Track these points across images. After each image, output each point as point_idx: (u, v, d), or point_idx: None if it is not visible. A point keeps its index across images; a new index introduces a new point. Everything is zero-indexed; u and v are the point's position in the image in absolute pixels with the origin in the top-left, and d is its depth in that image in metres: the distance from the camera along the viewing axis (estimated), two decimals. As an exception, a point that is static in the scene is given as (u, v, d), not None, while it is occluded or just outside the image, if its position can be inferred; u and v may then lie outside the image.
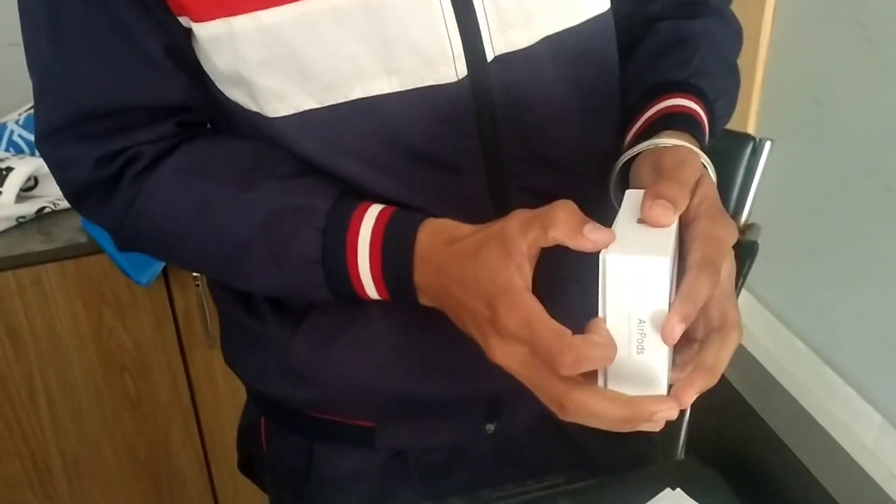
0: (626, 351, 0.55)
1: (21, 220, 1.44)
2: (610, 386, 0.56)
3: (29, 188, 1.47)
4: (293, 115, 0.65)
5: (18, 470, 1.56)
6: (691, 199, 0.58)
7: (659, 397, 0.54)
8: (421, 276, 0.62)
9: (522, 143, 0.70)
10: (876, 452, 1.79)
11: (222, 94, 0.68)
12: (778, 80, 0.77)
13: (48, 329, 1.45)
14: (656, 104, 0.70)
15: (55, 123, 0.69)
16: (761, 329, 2.38)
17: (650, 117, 0.70)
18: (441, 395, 0.77)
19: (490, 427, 0.82)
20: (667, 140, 0.64)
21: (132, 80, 0.66)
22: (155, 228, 0.70)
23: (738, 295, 1.48)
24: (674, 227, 0.57)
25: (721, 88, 0.73)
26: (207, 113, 0.71)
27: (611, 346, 0.53)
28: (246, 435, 0.96)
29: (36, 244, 1.40)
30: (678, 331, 0.52)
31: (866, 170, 2.01)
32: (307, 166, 0.67)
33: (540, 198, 0.71)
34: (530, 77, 0.68)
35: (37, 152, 1.49)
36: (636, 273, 0.54)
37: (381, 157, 0.66)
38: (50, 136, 0.69)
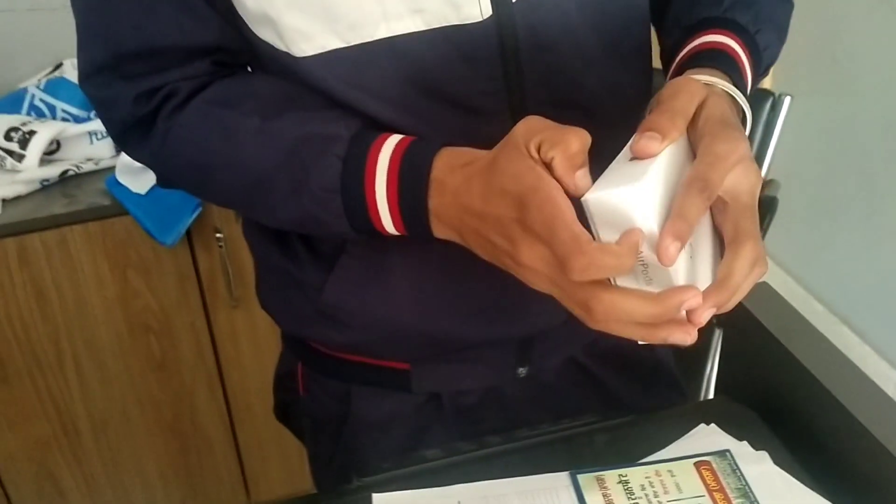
0: (635, 286, 0.55)
1: (45, 183, 1.45)
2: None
3: (52, 151, 1.48)
4: (319, 54, 0.65)
5: (47, 431, 1.58)
6: (696, 120, 0.58)
7: (681, 288, 0.54)
8: (437, 201, 0.61)
9: (547, 85, 0.70)
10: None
11: (253, 34, 0.68)
12: (795, 38, 0.76)
13: (74, 291, 1.46)
14: (688, 44, 0.70)
15: (96, 63, 0.70)
16: (779, 290, 2.38)
17: (680, 59, 0.70)
18: (473, 337, 0.78)
19: (522, 371, 0.83)
20: (704, 78, 0.64)
21: (168, 21, 0.67)
22: (186, 160, 0.71)
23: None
24: (663, 156, 0.56)
25: (765, 17, 0.72)
26: (243, 55, 0.72)
27: (627, 254, 0.52)
28: (282, 382, 0.97)
29: (60, 207, 1.41)
30: (673, 250, 0.52)
31: (883, 129, 2.00)
32: (334, 103, 0.68)
33: None
34: (555, 19, 0.68)
35: (59, 116, 1.50)
36: (615, 206, 0.53)
37: (406, 97, 0.67)
38: (91, 77, 0.71)
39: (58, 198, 1.44)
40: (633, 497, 0.71)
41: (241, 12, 0.67)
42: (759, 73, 0.72)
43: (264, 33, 0.67)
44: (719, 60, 0.67)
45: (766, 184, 1.50)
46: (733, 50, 0.68)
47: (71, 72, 1.57)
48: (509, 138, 0.58)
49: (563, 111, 0.70)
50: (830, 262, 2.25)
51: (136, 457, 1.66)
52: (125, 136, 0.73)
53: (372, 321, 0.77)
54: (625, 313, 0.54)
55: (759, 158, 1.47)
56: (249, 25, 0.68)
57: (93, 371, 1.55)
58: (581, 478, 0.73)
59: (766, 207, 1.47)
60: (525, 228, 0.56)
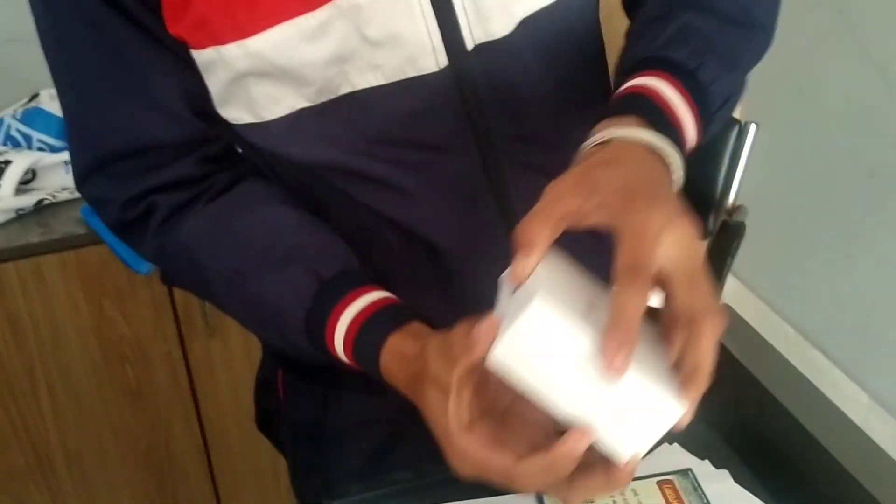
0: (604, 403, 0.49)
1: (20, 212, 1.46)
2: (619, 440, 0.51)
3: (27, 181, 1.49)
4: (289, 114, 0.69)
5: (20, 461, 1.57)
6: (598, 193, 0.53)
7: (568, 439, 0.51)
8: (388, 379, 0.65)
9: (512, 123, 0.73)
10: (865, 432, 1.83)
11: (220, 116, 0.71)
12: (761, 69, 0.76)
13: (49, 320, 1.46)
14: (622, 86, 0.65)
15: (84, 166, 0.74)
16: (751, 316, 2.41)
17: (611, 100, 0.65)
18: None
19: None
20: (593, 139, 0.60)
21: (142, 121, 0.71)
22: (179, 280, 0.80)
23: (724, 279, 1.52)
24: (547, 262, 0.51)
25: (708, 49, 0.66)
26: (222, 142, 0.75)
27: (562, 457, 0.50)
28: (263, 389, 0.98)
29: (35, 236, 1.42)
30: (620, 361, 0.47)
31: (849, 156, 2.05)
32: (298, 227, 0.72)
33: (534, 172, 0.75)
34: (511, 63, 0.71)
35: (35, 146, 1.51)
36: (527, 345, 0.48)
37: (372, 147, 0.70)
38: (82, 178, 0.75)
39: (33, 227, 1.44)
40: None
41: (212, 92, 0.70)
42: (715, 108, 0.66)
43: (230, 112, 0.70)
44: (635, 105, 0.61)
45: (735, 209, 1.53)
46: (654, 92, 0.62)
47: (47, 102, 1.58)
48: (427, 368, 0.58)
49: (530, 145, 0.73)
50: (801, 287, 2.28)
51: (110, 486, 1.65)
52: (122, 235, 0.77)
53: None
54: (538, 473, 0.52)
55: (726, 184, 1.50)
56: (217, 108, 0.71)
57: (67, 400, 1.54)
58: (547, 499, 0.74)
59: (735, 233, 1.50)
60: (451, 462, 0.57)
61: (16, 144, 1.53)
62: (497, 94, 0.71)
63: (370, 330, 0.65)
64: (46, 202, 1.48)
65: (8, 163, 1.46)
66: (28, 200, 1.46)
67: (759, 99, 2.30)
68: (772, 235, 2.34)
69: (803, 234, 2.25)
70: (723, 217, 1.50)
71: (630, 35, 0.72)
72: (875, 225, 1.99)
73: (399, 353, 0.63)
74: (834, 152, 2.09)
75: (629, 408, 0.49)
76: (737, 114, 2.20)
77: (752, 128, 1.49)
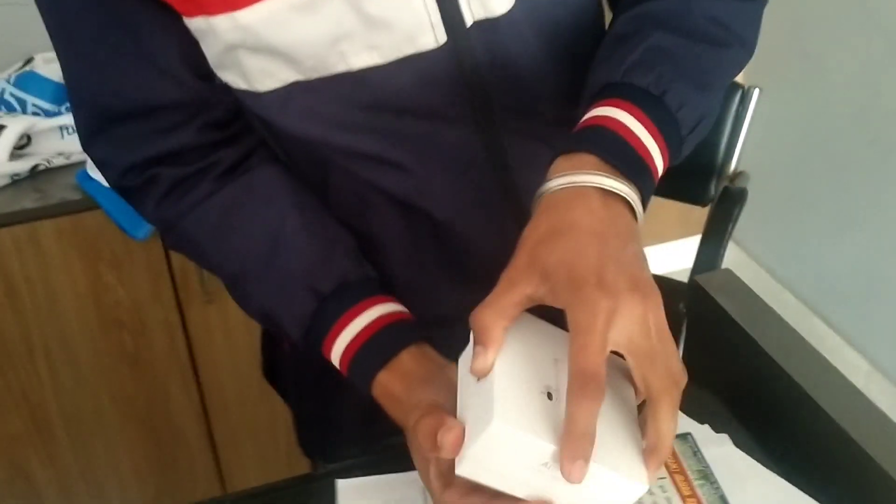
0: (569, 494, 0.52)
1: (15, 177, 1.44)
2: None
3: (22, 146, 1.48)
4: (281, 87, 0.67)
5: (19, 427, 1.57)
6: (548, 278, 0.53)
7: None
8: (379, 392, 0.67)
9: (511, 96, 0.72)
10: (866, 396, 1.83)
11: (217, 77, 0.70)
12: (765, 34, 0.73)
13: (45, 286, 1.45)
14: (583, 116, 0.64)
15: (87, 126, 0.73)
16: (751, 282, 2.41)
17: (571, 132, 0.64)
18: (449, 309, 0.80)
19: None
20: (543, 188, 0.59)
21: (143, 82, 0.70)
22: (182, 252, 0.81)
23: (725, 245, 1.50)
24: (505, 357, 0.53)
25: (675, 75, 0.62)
26: (226, 108, 0.74)
27: None
28: (269, 339, 0.98)
29: (31, 201, 1.41)
30: (577, 473, 0.49)
31: (851, 122, 2.03)
32: (296, 234, 0.72)
33: (534, 142, 0.74)
34: (511, 38, 0.69)
35: (30, 110, 1.49)
36: (490, 457, 0.50)
37: (366, 119, 0.69)
38: (86, 140, 0.74)
39: (28, 192, 1.43)
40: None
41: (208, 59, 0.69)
42: (685, 132, 0.63)
43: (226, 76, 0.69)
44: (593, 141, 0.59)
45: (737, 175, 1.52)
46: (615, 122, 0.60)
47: (42, 66, 1.56)
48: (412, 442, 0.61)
49: (528, 117, 0.72)
50: (802, 254, 2.28)
51: (109, 452, 1.66)
52: (125, 199, 0.77)
53: None
54: None
55: (728, 150, 1.49)
56: (214, 70, 0.70)
57: (65, 366, 1.54)
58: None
59: (737, 199, 1.49)
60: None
61: (10, 109, 1.52)
62: (496, 68, 0.70)
63: (361, 363, 0.67)
64: (42, 167, 1.47)
65: (2, 128, 1.44)
66: (23, 166, 1.45)
67: (763, 64, 2.28)
68: (773, 202, 2.33)
69: (805, 201, 2.24)
70: (724, 183, 1.49)
71: (598, 56, 0.68)
72: (877, 191, 1.98)
73: (387, 392, 0.66)
74: (837, 118, 2.07)
75: (594, 493, 0.52)
76: (740, 78, 2.18)
77: (755, 93, 1.48)
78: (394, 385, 0.65)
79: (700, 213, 1.49)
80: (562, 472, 0.49)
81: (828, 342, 2.17)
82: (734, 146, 1.51)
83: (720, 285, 0.90)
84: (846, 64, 2.02)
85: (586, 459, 0.49)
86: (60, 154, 1.49)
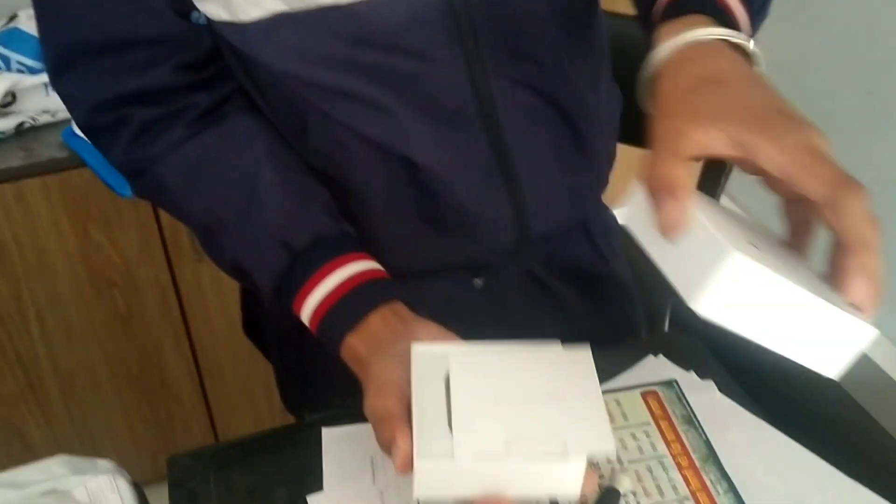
0: (804, 332, 0.49)
1: (1, 135, 1.43)
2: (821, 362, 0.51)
3: (7, 104, 1.46)
4: (265, 18, 0.66)
5: (13, 387, 1.57)
6: (719, 120, 0.49)
7: None
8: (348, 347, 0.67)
9: (502, 37, 0.70)
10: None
11: (199, 11, 0.68)
12: None
13: (34, 245, 1.45)
14: None
15: (56, 58, 0.71)
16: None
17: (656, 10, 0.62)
18: (428, 261, 0.79)
19: (478, 281, 0.84)
20: (665, 45, 0.55)
21: (118, 14, 0.68)
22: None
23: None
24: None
25: None
26: (203, 49, 0.72)
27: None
28: (248, 294, 0.97)
29: (16, 160, 1.39)
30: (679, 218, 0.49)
31: (848, 71, 2.01)
32: (272, 187, 0.71)
33: (522, 87, 0.72)
34: None
35: (14, 68, 1.47)
36: (732, 294, 0.47)
37: (352, 55, 0.67)
38: (54, 73, 0.72)
39: (14, 151, 1.41)
40: (579, 426, 0.72)
41: None
42: (757, 7, 0.63)
43: (207, 7, 0.67)
44: (698, 4, 0.58)
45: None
46: None
47: (26, 23, 1.53)
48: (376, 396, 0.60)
49: (519, 60, 0.71)
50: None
51: (104, 411, 1.66)
52: (91, 139, 0.75)
53: None
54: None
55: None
56: (195, 2, 0.68)
57: (57, 326, 1.54)
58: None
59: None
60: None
61: (-6, 66, 1.49)
62: (488, 7, 0.68)
63: (331, 324, 0.67)
64: (27, 125, 1.45)
65: (-14, 86, 1.42)
66: (8, 124, 1.43)
67: (757, 16, 2.25)
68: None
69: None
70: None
71: None
72: (874, 143, 1.97)
73: (353, 355, 0.66)
74: (833, 69, 2.05)
75: (827, 334, 0.49)
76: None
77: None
78: (359, 347, 0.65)
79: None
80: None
81: (822, 296, 2.16)
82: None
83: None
84: (842, 12, 2.00)
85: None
86: (46, 111, 1.47)
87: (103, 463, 0.65)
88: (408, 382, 0.58)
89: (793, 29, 2.15)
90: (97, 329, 1.56)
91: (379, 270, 0.70)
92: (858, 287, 0.47)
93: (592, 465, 0.68)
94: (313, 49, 0.67)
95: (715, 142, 0.49)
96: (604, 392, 0.75)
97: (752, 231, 0.55)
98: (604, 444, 0.54)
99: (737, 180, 1.46)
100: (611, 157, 0.87)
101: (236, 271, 0.73)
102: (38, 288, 1.49)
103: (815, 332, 0.49)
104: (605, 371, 0.77)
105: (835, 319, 0.48)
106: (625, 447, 0.70)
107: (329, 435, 0.72)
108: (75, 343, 1.56)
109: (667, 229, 0.49)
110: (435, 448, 0.54)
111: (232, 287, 1.58)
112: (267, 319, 0.94)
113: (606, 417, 0.56)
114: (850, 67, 2.00)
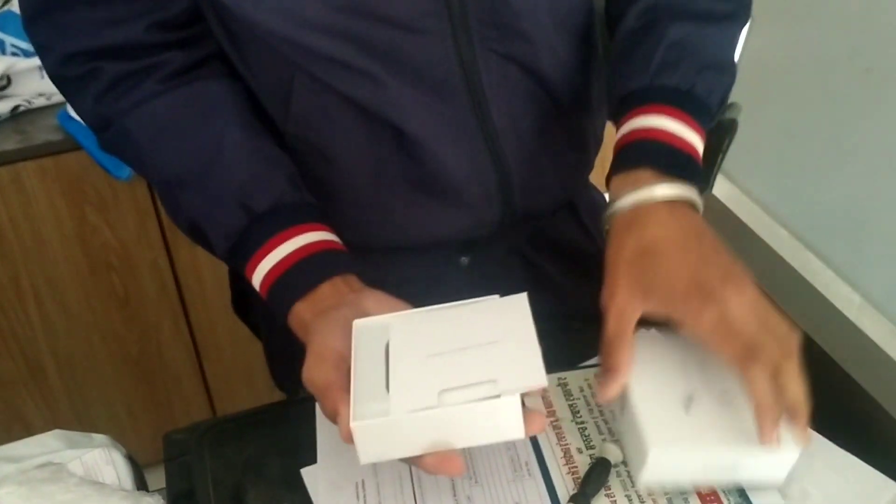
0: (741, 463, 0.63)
1: (-4, 119, 1.43)
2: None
3: (2, 87, 1.45)
4: None
5: (12, 369, 1.58)
6: (653, 295, 0.62)
7: None
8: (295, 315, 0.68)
9: (489, 10, 0.70)
10: (858, 327, 1.84)
11: None
12: None
13: (31, 228, 1.45)
14: (624, 123, 0.70)
15: (33, 6, 0.71)
16: (743, 216, 2.40)
17: (619, 142, 0.71)
18: (415, 235, 0.79)
19: (464, 259, 0.84)
20: (613, 208, 0.66)
21: None
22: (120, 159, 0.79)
23: (714, 175, 1.50)
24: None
25: (698, 65, 0.69)
26: (181, 9, 0.72)
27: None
28: (236, 272, 0.98)
29: (12, 143, 1.39)
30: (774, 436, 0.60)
31: (847, 50, 2.00)
32: (238, 149, 0.71)
33: (508, 61, 0.72)
34: None
35: (8, 51, 1.47)
36: (664, 471, 0.63)
37: (340, 22, 0.67)
38: (29, 21, 0.72)
39: (10, 134, 1.41)
40: (570, 398, 0.72)
41: None
42: (713, 114, 0.71)
43: None
44: (647, 155, 0.67)
45: (728, 107, 1.50)
46: (662, 133, 0.67)
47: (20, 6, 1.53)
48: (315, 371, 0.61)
49: (507, 34, 0.71)
50: (794, 188, 2.26)
51: (103, 393, 1.67)
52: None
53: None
54: None
55: (717, 81, 1.47)
56: None
57: (55, 309, 1.54)
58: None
59: (726, 130, 1.47)
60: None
61: (-12, 50, 1.49)
62: None
63: (281, 291, 0.68)
64: (22, 108, 1.45)
65: (-19, 69, 1.42)
66: (3, 107, 1.43)
67: (755, -6, 2.24)
68: (766, 135, 2.31)
69: (798, 133, 2.22)
70: (714, 114, 1.48)
71: (616, 52, 0.74)
72: (872, 122, 1.96)
73: (299, 321, 0.67)
74: (831, 47, 2.05)
75: (756, 464, 0.63)
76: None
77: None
78: (305, 314, 0.66)
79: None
80: (763, 440, 0.59)
81: (821, 277, 2.17)
82: (723, 76, 1.49)
83: (713, 220, 0.89)
84: (839, -8, 1.99)
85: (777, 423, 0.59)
86: (41, 95, 1.47)
87: (99, 437, 0.65)
88: (349, 349, 0.59)
89: (787, 5, 2.14)
90: (95, 312, 1.57)
91: (336, 242, 0.70)
92: (765, 439, 0.60)
93: (577, 427, 0.69)
94: (302, 12, 0.67)
95: (652, 313, 0.62)
96: (595, 366, 0.76)
97: (696, 374, 0.67)
98: (535, 379, 0.55)
99: (732, 159, 1.46)
100: (598, 140, 0.88)
101: (193, 229, 0.73)
102: (35, 271, 1.49)
103: (747, 466, 0.62)
104: (597, 345, 0.77)
105: (756, 456, 0.61)
106: (613, 418, 0.71)
107: (322, 409, 0.72)
108: (74, 326, 1.57)
109: (604, 400, 0.64)
110: (370, 410, 0.55)
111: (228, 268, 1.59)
112: (254, 297, 0.94)
113: (539, 355, 0.57)
114: (848, 46, 1.99)
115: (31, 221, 1.44)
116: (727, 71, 0.73)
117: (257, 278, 0.69)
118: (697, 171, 0.67)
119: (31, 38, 0.73)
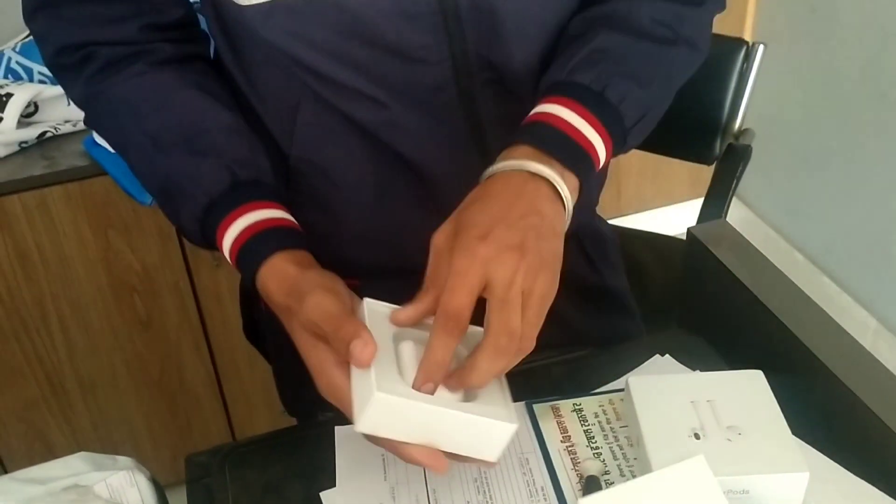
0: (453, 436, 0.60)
1: (23, 145, 1.46)
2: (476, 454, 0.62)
3: (30, 114, 1.49)
4: (263, 3, 0.69)
5: (35, 392, 1.60)
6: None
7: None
8: (265, 299, 0.69)
9: (487, 44, 0.72)
10: (873, 355, 1.83)
11: None
12: None
13: (56, 252, 1.48)
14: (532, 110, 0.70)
15: (33, 2, 0.76)
16: (758, 241, 2.40)
17: (521, 124, 0.70)
18: (417, 263, 0.81)
19: None
20: (491, 169, 0.66)
21: None
22: (103, 136, 0.82)
23: (729, 202, 1.50)
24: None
25: (615, 71, 0.69)
26: (176, 16, 0.76)
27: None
28: (246, 297, 0.99)
29: (39, 168, 1.42)
30: (427, 388, 0.59)
31: (861, 76, 2.01)
32: (228, 129, 0.74)
33: (505, 97, 0.75)
34: None
35: (36, 78, 1.50)
36: (380, 420, 0.58)
37: (345, 49, 0.70)
38: (29, 12, 0.76)
39: (37, 159, 1.45)
40: (586, 424, 0.73)
41: None
42: (629, 124, 0.70)
43: None
44: (531, 134, 0.66)
45: (742, 133, 1.52)
46: (554, 118, 0.67)
47: (47, 35, 1.57)
48: (297, 317, 0.63)
49: (502, 69, 0.74)
50: (810, 212, 2.27)
51: (124, 415, 1.69)
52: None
53: (322, 235, 0.80)
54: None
55: (733, 107, 1.48)
56: None
57: (78, 332, 1.57)
58: (536, 407, 0.75)
59: (740, 156, 1.48)
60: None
61: (17, 77, 1.53)
62: (476, 12, 0.71)
63: (262, 240, 0.68)
64: (49, 135, 1.48)
65: (10, 96, 1.45)
66: (31, 133, 1.46)
67: (769, 18, 2.26)
68: (780, 159, 2.32)
69: (813, 158, 2.23)
70: (729, 140, 1.49)
71: (556, 55, 0.74)
72: (887, 147, 1.97)
73: (278, 273, 0.67)
74: (846, 73, 2.06)
75: (472, 438, 0.61)
76: (745, 35, 2.15)
77: (760, 49, 1.47)
78: (288, 267, 0.66)
79: (710, 174, 1.49)
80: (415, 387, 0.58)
81: (837, 301, 2.16)
82: (739, 103, 1.50)
83: (715, 236, 0.90)
84: (855, 17, 2.00)
85: (436, 384, 0.58)
86: (67, 121, 1.50)
87: (123, 459, 0.67)
88: (350, 296, 0.64)
89: (803, 31, 2.16)
90: (118, 334, 1.59)
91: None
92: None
93: (592, 451, 0.69)
94: (308, 35, 0.70)
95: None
96: (609, 391, 0.77)
97: (705, 410, 0.68)
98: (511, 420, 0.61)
99: (747, 183, 1.47)
100: (601, 172, 0.89)
101: (164, 190, 0.74)
102: (60, 294, 1.52)
103: (465, 434, 0.60)
104: (611, 371, 0.79)
105: (476, 424, 0.59)
106: (629, 444, 0.72)
107: (342, 433, 0.74)
108: (97, 348, 1.59)
109: (402, 316, 0.63)
110: (393, 387, 0.57)
111: (249, 292, 1.61)
112: (264, 324, 0.95)
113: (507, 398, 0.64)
114: (862, 71, 2.00)
115: (56, 245, 1.47)
116: (649, 87, 0.71)
117: (238, 226, 0.69)
118: (585, 165, 0.66)
119: (30, 29, 0.77)
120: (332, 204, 0.78)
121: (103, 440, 1.70)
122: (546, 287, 0.60)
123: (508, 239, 0.58)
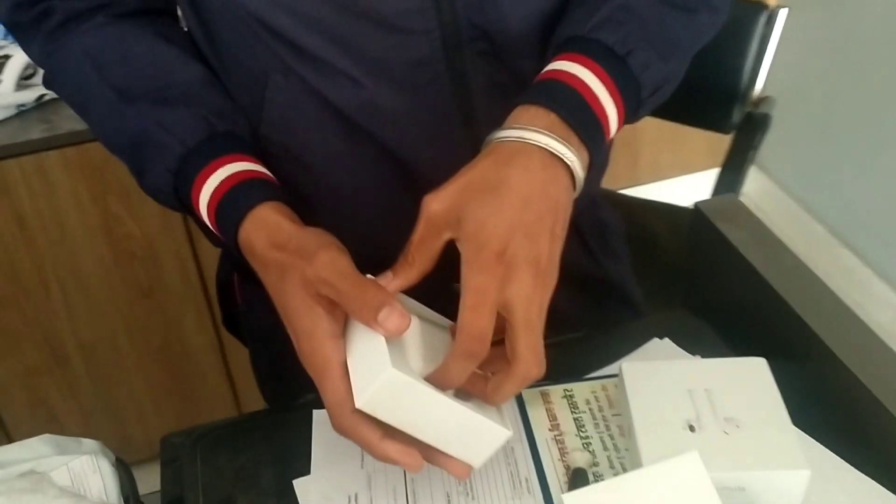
0: (452, 433, 0.57)
1: (21, 108, 1.43)
2: (466, 457, 0.59)
3: (28, 76, 1.46)
4: None
5: (37, 360, 1.59)
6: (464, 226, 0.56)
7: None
8: (246, 254, 0.64)
9: (480, 13, 0.67)
10: (893, 333, 1.78)
11: None
12: None
13: (55, 217, 1.45)
14: (548, 64, 0.64)
15: None
16: (778, 212, 2.34)
17: (537, 78, 0.64)
18: (395, 257, 0.77)
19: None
20: (499, 133, 0.60)
21: None
22: (63, 92, 0.75)
23: (746, 172, 1.45)
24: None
25: (642, 37, 0.63)
26: None
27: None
28: (223, 290, 0.96)
29: (37, 132, 1.39)
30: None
31: (884, 42, 1.93)
32: (201, 80, 0.69)
33: (498, 69, 0.69)
34: None
35: (33, 39, 1.47)
36: (386, 400, 0.55)
37: (327, 16, 0.65)
38: None
39: (35, 123, 1.41)
40: (576, 411, 0.70)
41: None
42: (645, 96, 0.64)
43: None
44: (551, 96, 0.60)
45: (761, 101, 1.46)
46: (576, 80, 0.61)
47: None
48: (304, 272, 0.58)
49: (495, 39, 0.68)
50: (831, 183, 2.20)
51: (126, 383, 1.68)
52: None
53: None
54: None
55: (752, 74, 1.42)
56: None
57: (79, 299, 1.55)
58: (525, 392, 0.71)
59: (759, 125, 1.43)
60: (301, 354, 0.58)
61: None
62: None
63: (245, 190, 0.63)
64: (47, 98, 1.45)
65: (8, 57, 1.43)
66: (29, 96, 1.43)
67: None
68: (801, 128, 2.25)
69: (835, 127, 2.16)
70: (748, 108, 1.43)
71: (566, 11, 0.68)
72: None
73: (266, 224, 0.61)
74: (869, 39, 1.98)
75: (469, 434, 0.58)
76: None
77: (783, 13, 1.41)
78: (277, 219, 0.62)
79: (729, 143, 1.44)
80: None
81: (857, 275, 2.10)
82: (758, 70, 1.45)
83: (724, 212, 0.86)
84: (880, 8, 1.92)
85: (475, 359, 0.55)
86: (65, 84, 1.47)
87: (88, 442, 0.64)
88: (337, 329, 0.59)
89: (826, 5, 2.08)
90: (119, 301, 1.57)
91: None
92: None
93: (581, 442, 0.66)
94: (290, 3, 0.64)
95: (453, 238, 0.57)
96: (603, 377, 0.73)
97: (701, 400, 0.64)
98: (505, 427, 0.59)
99: (767, 153, 1.41)
100: (604, 156, 0.83)
101: (134, 145, 0.68)
102: (59, 260, 1.50)
103: (460, 431, 0.57)
104: (606, 355, 0.75)
105: (475, 422, 0.57)
106: (621, 434, 0.68)
107: (319, 416, 0.71)
108: (97, 315, 1.57)
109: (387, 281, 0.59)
110: (405, 368, 0.54)
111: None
112: (241, 317, 0.92)
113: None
114: (886, 38, 1.93)
115: (54, 211, 1.45)
116: (671, 60, 0.66)
117: (217, 178, 0.64)
118: (599, 138, 0.61)
119: None
120: (305, 187, 0.73)
121: (105, 408, 1.69)
122: (550, 294, 0.57)
123: (526, 253, 0.55)
